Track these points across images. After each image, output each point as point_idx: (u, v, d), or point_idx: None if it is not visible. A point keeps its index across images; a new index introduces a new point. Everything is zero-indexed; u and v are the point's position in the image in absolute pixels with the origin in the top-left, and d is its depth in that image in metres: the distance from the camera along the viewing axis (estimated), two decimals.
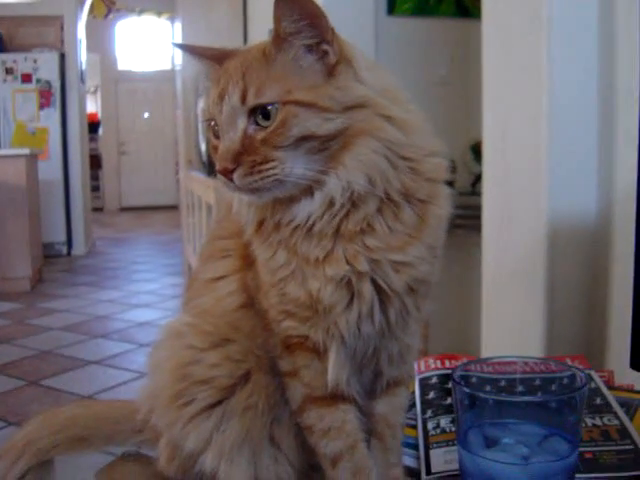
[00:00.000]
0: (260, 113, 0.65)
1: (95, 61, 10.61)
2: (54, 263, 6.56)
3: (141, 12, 10.82)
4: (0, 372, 3.39)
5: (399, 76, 0.72)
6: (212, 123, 0.69)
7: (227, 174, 0.65)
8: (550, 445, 0.64)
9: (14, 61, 6.84)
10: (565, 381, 0.69)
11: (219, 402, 0.75)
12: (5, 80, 6.83)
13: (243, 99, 0.65)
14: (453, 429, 0.89)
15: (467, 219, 2.09)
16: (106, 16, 10.34)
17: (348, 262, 0.68)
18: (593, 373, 1.00)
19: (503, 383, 0.72)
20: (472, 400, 0.65)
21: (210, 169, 3.56)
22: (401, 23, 2.79)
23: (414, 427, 0.92)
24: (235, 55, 0.70)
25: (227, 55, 0.71)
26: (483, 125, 1.64)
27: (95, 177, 10.68)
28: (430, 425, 0.92)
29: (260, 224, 0.71)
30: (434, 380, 1.03)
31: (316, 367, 0.72)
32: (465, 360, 0.86)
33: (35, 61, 6.86)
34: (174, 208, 9.62)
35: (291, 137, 0.64)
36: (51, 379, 3.30)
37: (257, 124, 0.65)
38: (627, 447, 0.83)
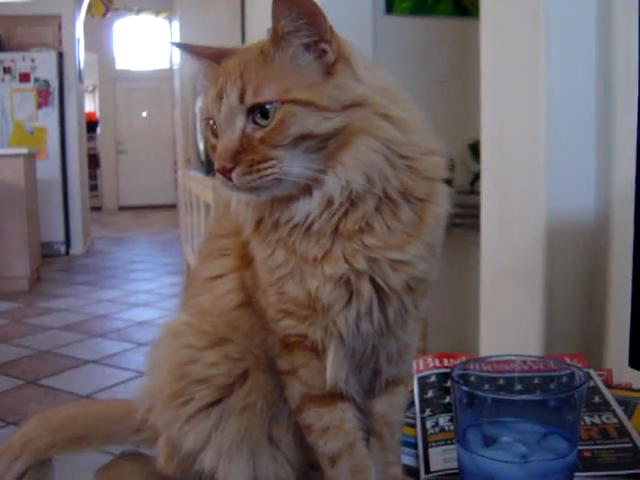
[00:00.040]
0: (258, 112, 0.65)
1: (93, 60, 10.60)
2: (52, 262, 6.56)
3: (139, 11, 10.83)
4: None
5: (397, 75, 0.72)
6: (210, 122, 0.69)
7: (225, 173, 0.65)
8: (549, 443, 0.64)
9: (12, 60, 6.84)
10: (564, 379, 0.69)
11: (218, 401, 0.75)
12: (3, 79, 6.82)
13: (241, 98, 0.65)
14: (452, 428, 0.89)
15: (465, 218, 2.08)
16: (104, 15, 10.35)
17: (347, 261, 0.67)
18: (592, 371, 1.00)
19: (502, 382, 0.72)
20: (471, 399, 0.65)
21: (208, 168, 3.56)
22: (399, 22, 2.78)
23: (413, 426, 0.92)
24: (233, 54, 0.70)
25: (225, 54, 0.71)
26: (481, 124, 1.64)
27: (93, 176, 10.67)
28: (429, 424, 0.92)
29: (258, 223, 0.71)
30: (433, 379, 1.03)
31: (314, 366, 0.72)
32: (464, 359, 0.87)
33: (33, 60, 6.86)
34: (172, 207, 9.62)
35: (289, 136, 0.64)
36: (49, 378, 3.30)
37: (255, 123, 0.65)
38: (626, 445, 0.83)
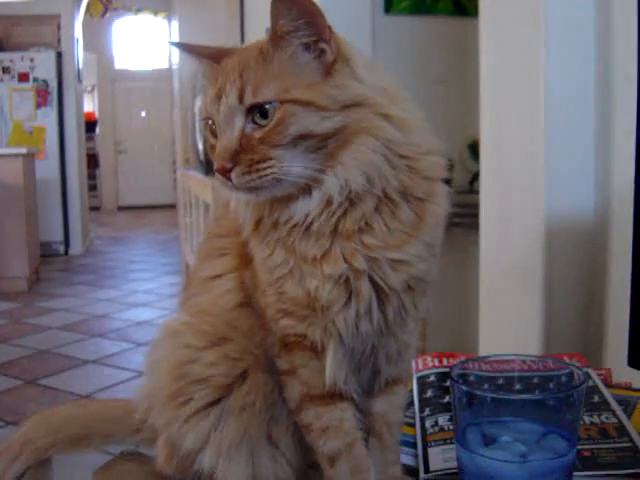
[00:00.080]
0: (258, 112, 0.65)
1: (92, 60, 10.59)
2: (51, 262, 6.56)
3: (138, 11, 10.83)
4: None
5: (396, 74, 0.72)
6: (209, 122, 0.69)
7: (225, 173, 0.65)
8: (548, 443, 0.64)
9: (11, 60, 6.84)
10: (563, 379, 0.69)
11: (217, 401, 0.75)
12: (2, 79, 6.82)
13: (240, 98, 0.65)
14: (451, 427, 0.89)
15: (465, 217, 2.09)
16: (103, 15, 10.34)
17: (346, 260, 0.67)
18: (591, 371, 1.00)
19: (501, 381, 0.72)
20: (470, 398, 0.65)
21: (207, 168, 3.56)
22: (398, 21, 2.78)
23: (412, 425, 0.92)
24: (232, 54, 0.70)
25: (224, 54, 0.71)
26: (480, 123, 1.64)
27: (92, 176, 10.66)
28: (428, 423, 0.92)
29: (258, 223, 0.71)
30: (432, 378, 1.03)
31: (314, 366, 0.72)
32: (463, 358, 0.87)
33: (32, 60, 6.86)
34: (172, 207, 9.61)
35: (289, 136, 0.64)
36: (49, 378, 3.30)
37: (255, 123, 0.65)
38: (625, 445, 0.83)
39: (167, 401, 0.76)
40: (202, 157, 3.93)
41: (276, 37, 0.65)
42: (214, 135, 0.69)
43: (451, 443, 0.85)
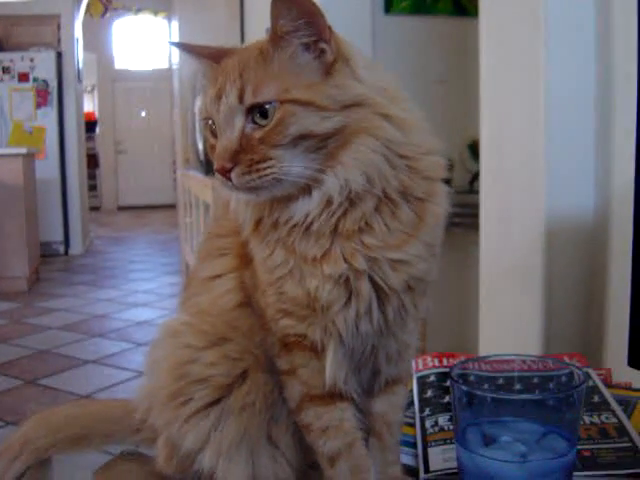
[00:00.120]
0: (258, 112, 0.65)
1: (92, 60, 10.59)
2: (51, 262, 6.56)
3: (138, 11, 10.83)
4: None
5: (396, 74, 0.72)
6: (209, 122, 0.69)
7: (225, 173, 0.65)
8: (548, 443, 0.64)
9: (11, 60, 6.84)
10: (563, 379, 0.69)
11: (217, 401, 0.75)
12: (2, 79, 6.82)
13: (240, 98, 0.65)
14: (451, 427, 0.89)
15: (465, 217, 2.09)
16: (103, 15, 10.34)
17: (346, 260, 0.67)
18: (591, 371, 1.00)
19: (501, 381, 0.72)
20: (470, 398, 0.65)
21: (207, 168, 3.56)
22: (398, 21, 2.78)
23: (412, 425, 0.92)
24: (232, 54, 0.70)
25: (224, 54, 0.71)
26: (480, 123, 1.64)
27: (92, 176, 10.66)
28: (428, 423, 0.92)
29: (258, 223, 0.71)
30: (432, 378, 1.03)
31: (314, 366, 0.72)
32: (463, 358, 0.87)
33: (32, 60, 6.86)
34: (172, 207, 9.61)
35: (289, 136, 0.64)
36: (49, 378, 3.30)
37: (255, 123, 0.65)
38: (625, 445, 0.83)
39: (167, 401, 0.76)
40: (202, 157, 3.93)
41: (276, 37, 0.65)
42: (214, 135, 0.69)
43: (451, 443, 0.85)
